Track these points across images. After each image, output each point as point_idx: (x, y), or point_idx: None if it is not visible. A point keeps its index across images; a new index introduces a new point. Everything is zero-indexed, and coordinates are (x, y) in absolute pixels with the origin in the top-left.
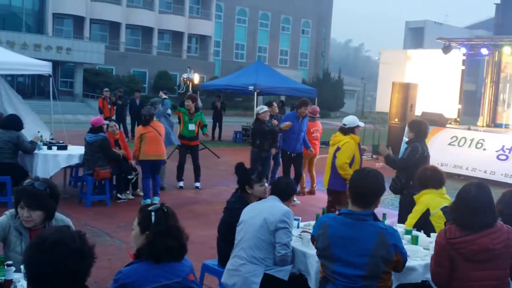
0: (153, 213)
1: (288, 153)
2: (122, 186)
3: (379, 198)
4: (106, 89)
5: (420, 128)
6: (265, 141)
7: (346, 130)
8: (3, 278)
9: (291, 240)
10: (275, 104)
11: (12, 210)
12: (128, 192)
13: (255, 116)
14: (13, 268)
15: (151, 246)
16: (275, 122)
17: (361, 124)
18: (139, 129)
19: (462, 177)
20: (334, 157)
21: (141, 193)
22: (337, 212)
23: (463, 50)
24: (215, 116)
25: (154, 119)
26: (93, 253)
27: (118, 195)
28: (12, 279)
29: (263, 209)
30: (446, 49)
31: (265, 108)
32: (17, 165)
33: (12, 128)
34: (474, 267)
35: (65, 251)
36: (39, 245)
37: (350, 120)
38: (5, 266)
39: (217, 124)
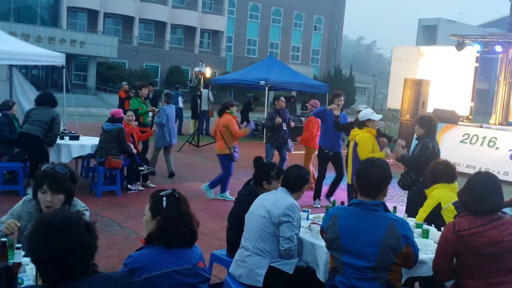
0: (164, 198)
1: (326, 151)
2: (133, 177)
3: (386, 187)
4: (125, 82)
5: (431, 123)
6: (281, 134)
7: (360, 124)
8: (12, 261)
9: (296, 233)
10: (282, 99)
11: (29, 196)
12: (138, 183)
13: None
14: (22, 252)
15: (162, 231)
16: (278, 120)
17: (374, 117)
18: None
19: None
20: (353, 152)
21: (152, 185)
22: None
23: (477, 47)
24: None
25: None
26: (96, 229)
27: (129, 186)
28: (20, 262)
29: (269, 201)
30: (460, 46)
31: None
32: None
33: (48, 105)
34: (482, 261)
35: (75, 227)
36: (48, 226)
37: (361, 114)
38: (15, 250)
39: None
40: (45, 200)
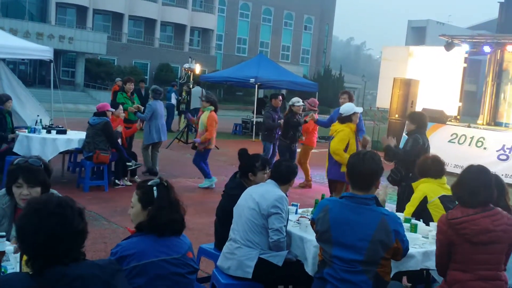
0: (155, 188)
1: None
2: (120, 172)
3: (378, 179)
4: (119, 78)
5: (421, 119)
6: (297, 133)
7: (344, 119)
8: None
9: (284, 225)
10: (280, 97)
11: (1, 191)
12: (126, 178)
13: (287, 108)
14: (7, 242)
15: (155, 220)
16: (282, 122)
17: (358, 110)
18: (215, 117)
19: None
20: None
21: (139, 180)
22: None
23: (466, 47)
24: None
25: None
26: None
27: (116, 181)
28: (4, 251)
29: (257, 193)
30: (449, 46)
31: (301, 101)
32: None
33: None
34: (474, 249)
35: (70, 212)
36: (43, 209)
37: (346, 108)
38: None
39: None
40: (21, 193)
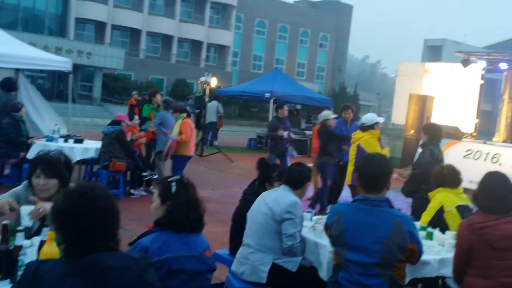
0: (173, 184)
1: (336, 160)
2: (136, 182)
3: (388, 181)
4: (135, 92)
5: (434, 131)
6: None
7: (365, 128)
8: (14, 244)
9: (298, 231)
10: (285, 107)
11: (26, 182)
12: (141, 188)
13: (320, 122)
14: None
15: (172, 215)
16: (281, 132)
17: (380, 119)
18: (189, 121)
19: None
20: (356, 154)
21: (154, 190)
22: None
23: (483, 63)
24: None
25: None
26: None
27: (132, 190)
28: (22, 245)
29: (270, 198)
30: (465, 63)
31: (332, 115)
32: None
33: None
34: (495, 255)
35: (111, 196)
36: (90, 193)
37: (368, 118)
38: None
39: None
40: (38, 184)
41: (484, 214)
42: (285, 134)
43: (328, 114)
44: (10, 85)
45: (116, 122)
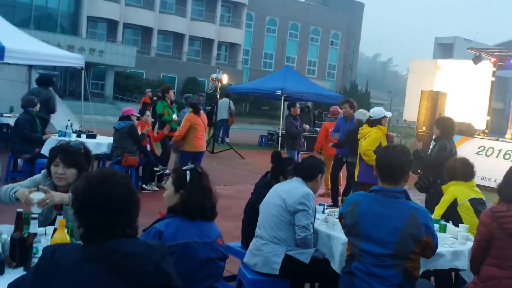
0: (188, 172)
1: (340, 156)
2: (148, 177)
3: (407, 173)
4: (149, 89)
5: (447, 124)
6: None
7: (373, 122)
8: (28, 231)
9: (311, 222)
10: (297, 105)
11: (45, 170)
12: (153, 183)
13: (356, 121)
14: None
15: (186, 203)
16: (306, 126)
17: (388, 114)
18: (191, 117)
19: (489, 188)
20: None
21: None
22: None
23: (494, 59)
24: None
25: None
26: None
27: (144, 185)
28: (36, 232)
29: (283, 190)
30: (477, 59)
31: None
32: None
33: None
34: None
35: (132, 183)
36: (111, 179)
37: (376, 111)
38: (31, 220)
39: None
40: (57, 172)
41: (508, 204)
42: (307, 127)
43: (364, 112)
44: (47, 81)
45: (125, 117)
